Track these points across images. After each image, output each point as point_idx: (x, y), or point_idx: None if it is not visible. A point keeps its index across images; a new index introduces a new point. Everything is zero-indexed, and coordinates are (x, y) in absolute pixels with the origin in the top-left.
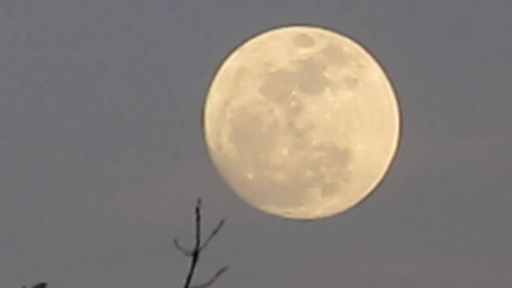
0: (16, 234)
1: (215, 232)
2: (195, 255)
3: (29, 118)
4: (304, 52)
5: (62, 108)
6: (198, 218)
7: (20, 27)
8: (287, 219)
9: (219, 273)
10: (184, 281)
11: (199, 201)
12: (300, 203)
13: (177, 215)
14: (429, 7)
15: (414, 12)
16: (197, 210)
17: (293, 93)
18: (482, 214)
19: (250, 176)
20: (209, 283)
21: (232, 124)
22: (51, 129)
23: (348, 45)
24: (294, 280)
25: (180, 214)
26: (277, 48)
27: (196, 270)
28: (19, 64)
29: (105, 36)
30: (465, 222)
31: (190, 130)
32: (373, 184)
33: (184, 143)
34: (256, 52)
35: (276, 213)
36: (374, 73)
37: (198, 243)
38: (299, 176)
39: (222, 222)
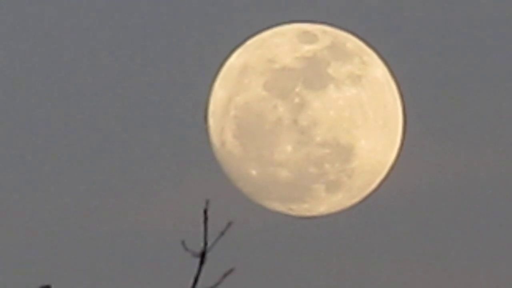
0: (21, 237)
1: (222, 233)
2: (203, 256)
3: (37, 129)
4: (307, 48)
5: (62, 111)
6: (205, 220)
7: (20, 30)
8: (291, 216)
9: (226, 274)
10: (191, 282)
11: (207, 202)
12: (304, 199)
13: (184, 217)
14: (433, 4)
15: (418, 9)
16: (205, 212)
17: (297, 89)
18: (485, 218)
19: (254, 172)
20: (216, 284)
21: (236, 120)
22: (55, 136)
23: (352, 42)
24: (299, 279)
25: (188, 215)
26: (281, 44)
27: (203, 271)
28: (27, 78)
29: (107, 38)
30: (467, 223)
31: (194, 128)
32: (377, 181)
33: (188, 142)
34: (259, 49)
35: (280, 210)
36: (378, 70)
37: (205, 244)
38: (303, 172)
39: (229, 224)
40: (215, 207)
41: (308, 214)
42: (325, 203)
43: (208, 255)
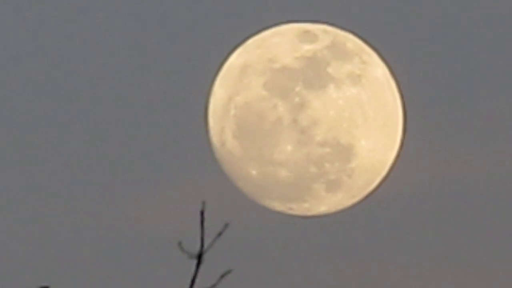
0: (20, 238)
1: (219, 235)
2: (199, 257)
3: (37, 130)
4: (307, 48)
5: (63, 113)
6: (202, 221)
7: (20, 31)
8: (291, 216)
9: (222, 276)
10: (188, 283)
11: (203, 204)
12: (304, 199)
13: (182, 218)
14: (434, 4)
15: (419, 8)
16: (201, 213)
17: (297, 89)
18: (485, 217)
19: (254, 172)
20: (213, 286)
21: (236, 120)
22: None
23: (352, 41)
24: (299, 279)
25: (186, 217)
26: (281, 44)
27: (200, 272)
28: (27, 79)
29: (107, 38)
30: (468, 222)
31: (195, 128)
32: (377, 180)
33: (187, 143)
34: (260, 49)
35: (280, 210)
36: (378, 69)
37: (202, 246)
38: (303, 172)
39: (226, 225)
40: (214, 207)
41: (308, 213)
42: (325, 202)
43: (207, 256)
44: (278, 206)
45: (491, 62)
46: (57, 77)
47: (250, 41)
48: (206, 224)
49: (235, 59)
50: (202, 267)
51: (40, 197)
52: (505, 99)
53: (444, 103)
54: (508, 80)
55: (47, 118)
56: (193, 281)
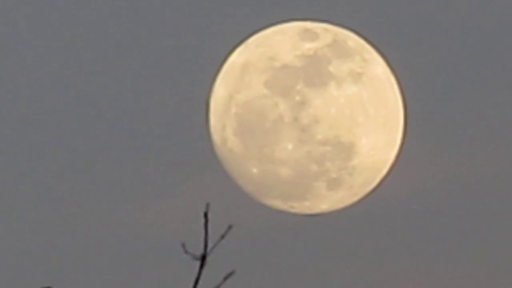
0: (22, 239)
1: (222, 237)
2: (203, 259)
3: (38, 130)
4: (309, 46)
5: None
6: (206, 223)
7: (22, 30)
8: (292, 214)
9: (226, 277)
10: (191, 285)
11: (207, 206)
12: (305, 197)
13: (185, 219)
14: (435, 2)
15: (419, 7)
16: (205, 215)
17: (298, 87)
18: (487, 216)
19: (255, 170)
20: (217, 287)
21: (237, 118)
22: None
23: (353, 40)
24: (300, 278)
25: (189, 218)
26: (282, 42)
27: (203, 274)
28: (28, 78)
29: (108, 36)
30: (469, 221)
31: (196, 127)
32: (378, 178)
33: (189, 143)
34: (261, 47)
35: (281, 208)
36: (379, 67)
37: (205, 247)
38: (304, 170)
39: (229, 227)
40: (216, 207)
41: (309, 212)
42: (326, 201)
43: (210, 257)
44: (279, 204)
45: (493, 61)
46: (58, 78)
47: (251, 39)
48: (210, 230)
49: (236, 57)
50: (205, 268)
51: (43, 199)
52: (506, 99)
53: (445, 101)
54: (509, 80)
55: (50, 120)
56: (196, 282)
